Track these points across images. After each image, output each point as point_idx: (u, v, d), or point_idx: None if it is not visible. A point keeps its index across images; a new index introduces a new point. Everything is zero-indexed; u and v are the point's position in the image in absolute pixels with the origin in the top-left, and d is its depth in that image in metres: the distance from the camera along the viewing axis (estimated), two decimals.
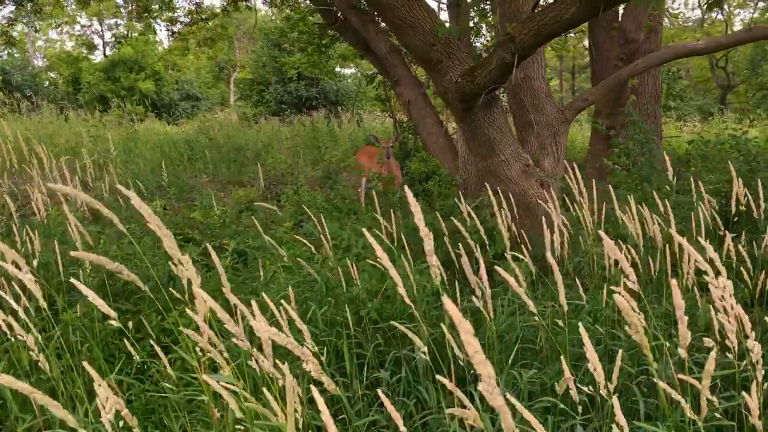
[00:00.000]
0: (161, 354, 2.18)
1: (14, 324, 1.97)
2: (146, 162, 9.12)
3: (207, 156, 9.77)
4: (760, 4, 24.29)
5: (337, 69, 20.44)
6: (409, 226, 6.10)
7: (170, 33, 13.51)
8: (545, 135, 6.08)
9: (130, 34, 30.44)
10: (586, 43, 29.69)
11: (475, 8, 11.28)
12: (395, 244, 3.62)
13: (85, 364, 1.75)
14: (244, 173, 9.64)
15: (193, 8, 13.40)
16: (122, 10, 29.30)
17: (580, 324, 1.75)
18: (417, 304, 3.53)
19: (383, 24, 7.70)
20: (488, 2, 10.64)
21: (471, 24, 10.15)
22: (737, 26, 29.99)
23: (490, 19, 11.99)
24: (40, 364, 2.08)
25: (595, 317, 2.95)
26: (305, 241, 4.13)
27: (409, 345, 3.16)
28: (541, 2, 6.54)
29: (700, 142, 5.83)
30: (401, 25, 5.15)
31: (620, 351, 1.85)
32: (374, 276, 3.61)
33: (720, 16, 32.05)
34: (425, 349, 1.80)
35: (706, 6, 4.52)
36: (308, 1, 13.46)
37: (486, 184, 6.05)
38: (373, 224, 5.09)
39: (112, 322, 1.87)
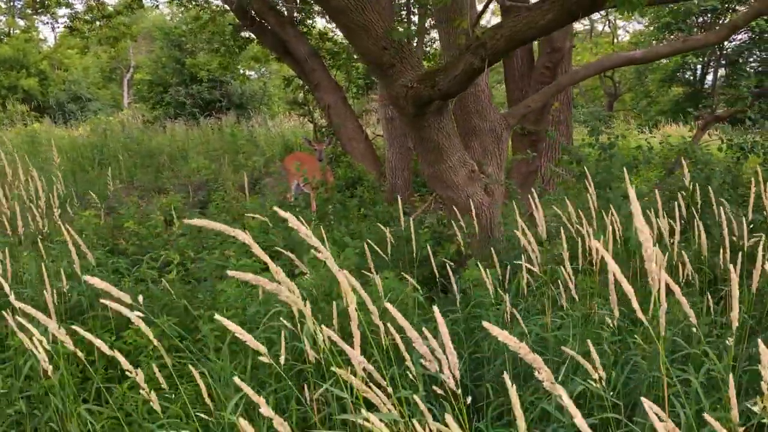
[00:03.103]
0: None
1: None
2: (52, 167, 8.44)
3: (120, 161, 9.20)
4: (644, 20, 25.83)
5: (241, 71, 19.89)
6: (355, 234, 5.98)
7: (69, 29, 12.67)
8: (488, 141, 6.13)
9: (11, 32, 28.43)
10: None
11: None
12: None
13: None
14: (160, 179, 9.15)
15: (94, 3, 12.65)
16: (2, 4, 27.32)
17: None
18: (408, 316, 3.42)
19: (337, 25, 7.54)
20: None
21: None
22: (623, 37, 31.81)
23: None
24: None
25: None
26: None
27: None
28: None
29: (647, 149, 6.07)
30: (354, 28, 5.02)
31: None
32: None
33: (607, 29, 33.95)
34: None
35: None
36: (220, 1, 13.03)
37: (431, 189, 6.06)
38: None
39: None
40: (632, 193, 1.64)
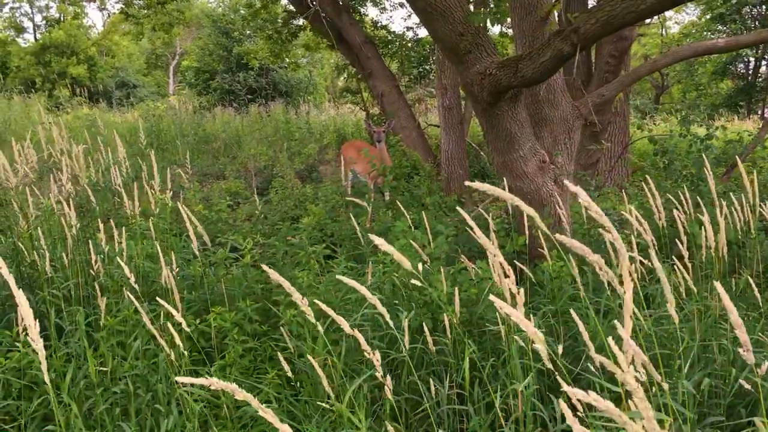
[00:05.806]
0: None
1: None
2: (114, 151, 8.56)
3: (178, 146, 9.28)
4: (697, 10, 25.25)
5: (287, 60, 19.89)
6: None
7: (125, 15, 12.84)
8: (559, 131, 5.99)
9: (62, 18, 28.94)
10: None
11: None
12: None
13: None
14: (217, 164, 9.21)
15: None
16: None
17: None
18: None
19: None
20: None
21: None
22: (672, 29, 31.11)
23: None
24: None
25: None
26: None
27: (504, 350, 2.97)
28: None
29: (738, 143, 5.86)
30: (431, 13, 4.93)
31: None
32: (448, 278, 3.40)
33: (656, 20, 33.22)
34: None
35: None
36: None
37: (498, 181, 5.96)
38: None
39: None
40: None
